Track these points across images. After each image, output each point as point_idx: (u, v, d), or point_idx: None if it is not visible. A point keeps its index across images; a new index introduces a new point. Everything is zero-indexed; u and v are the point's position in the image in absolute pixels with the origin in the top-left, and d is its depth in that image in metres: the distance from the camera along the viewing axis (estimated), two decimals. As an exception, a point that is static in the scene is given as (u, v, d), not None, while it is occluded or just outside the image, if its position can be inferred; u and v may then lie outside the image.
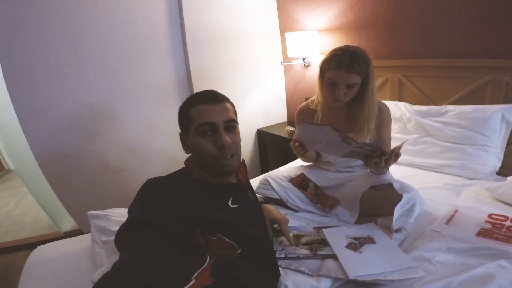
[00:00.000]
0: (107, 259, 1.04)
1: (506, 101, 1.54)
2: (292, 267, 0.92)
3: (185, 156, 1.00)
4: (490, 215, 1.15)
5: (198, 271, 0.68)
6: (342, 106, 1.30)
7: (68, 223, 2.23)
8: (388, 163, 1.14)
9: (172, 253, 0.69)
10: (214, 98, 0.93)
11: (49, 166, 1.82)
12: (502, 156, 1.55)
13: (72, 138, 1.85)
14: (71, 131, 1.84)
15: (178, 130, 0.97)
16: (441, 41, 1.73)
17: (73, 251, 1.16)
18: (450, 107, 1.67)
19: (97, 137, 1.93)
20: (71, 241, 1.27)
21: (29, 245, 2.07)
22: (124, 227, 0.74)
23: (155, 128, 2.16)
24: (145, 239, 0.69)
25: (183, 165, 0.98)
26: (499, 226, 1.08)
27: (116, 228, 1.02)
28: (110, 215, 1.25)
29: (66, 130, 1.82)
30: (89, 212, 1.27)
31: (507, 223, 1.09)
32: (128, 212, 0.80)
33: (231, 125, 0.92)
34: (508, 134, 1.54)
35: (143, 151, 2.12)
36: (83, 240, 1.24)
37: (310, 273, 0.89)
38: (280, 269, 0.90)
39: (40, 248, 1.22)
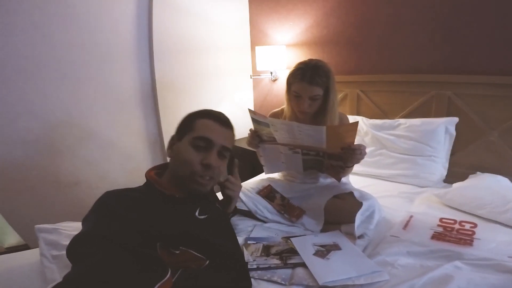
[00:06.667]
0: (59, 274, 0.96)
1: (448, 114, 1.71)
2: (265, 278, 0.92)
3: (147, 168, 0.97)
4: (441, 219, 1.25)
5: (157, 285, 0.66)
6: (307, 118, 1.35)
7: (12, 238, 2.02)
8: (355, 156, 1.12)
9: (128, 266, 0.67)
10: (225, 122, 0.96)
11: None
12: (447, 165, 1.71)
13: (18, 149, 1.68)
14: (16, 141, 1.67)
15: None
16: (395, 58, 1.89)
17: (19, 266, 1.07)
18: (401, 120, 1.81)
19: (48, 148, 1.77)
20: (16, 256, 1.17)
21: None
22: (78, 238, 0.71)
23: (115, 140, 2.03)
24: (101, 251, 0.67)
25: (144, 179, 0.94)
26: (449, 229, 1.18)
27: (68, 242, 0.95)
28: (61, 229, 1.17)
29: (11, 140, 1.65)
30: (37, 226, 1.17)
31: (456, 226, 1.20)
32: (82, 223, 0.76)
33: (225, 153, 0.94)
34: (452, 145, 1.70)
35: (100, 163, 1.98)
36: (30, 255, 1.14)
37: (283, 282, 0.90)
38: (252, 280, 0.90)
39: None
